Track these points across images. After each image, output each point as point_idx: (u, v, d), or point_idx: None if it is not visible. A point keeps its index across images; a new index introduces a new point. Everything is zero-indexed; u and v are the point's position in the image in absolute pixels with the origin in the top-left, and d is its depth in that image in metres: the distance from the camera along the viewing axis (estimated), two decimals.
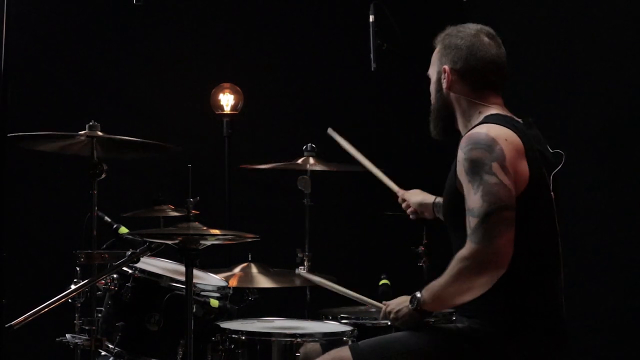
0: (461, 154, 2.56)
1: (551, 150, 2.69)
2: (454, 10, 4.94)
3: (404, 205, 3.21)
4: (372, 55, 3.52)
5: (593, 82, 4.44)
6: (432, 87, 2.80)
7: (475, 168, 2.49)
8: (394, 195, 3.26)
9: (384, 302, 2.78)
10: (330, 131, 3.44)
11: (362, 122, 5.46)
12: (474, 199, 2.48)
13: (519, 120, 2.68)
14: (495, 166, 2.48)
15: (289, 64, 5.43)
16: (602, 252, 4.37)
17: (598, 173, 4.41)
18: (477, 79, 2.70)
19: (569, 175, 2.71)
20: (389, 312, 2.69)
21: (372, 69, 3.55)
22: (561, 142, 2.77)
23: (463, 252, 2.48)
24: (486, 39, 2.72)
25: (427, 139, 2.89)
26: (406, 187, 3.24)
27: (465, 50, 2.70)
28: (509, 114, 2.69)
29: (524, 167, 2.54)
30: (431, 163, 4.09)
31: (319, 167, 3.91)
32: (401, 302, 2.67)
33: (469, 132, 2.61)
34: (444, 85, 2.73)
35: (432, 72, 2.81)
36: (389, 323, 2.75)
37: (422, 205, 3.15)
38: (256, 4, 5.45)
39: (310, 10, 5.49)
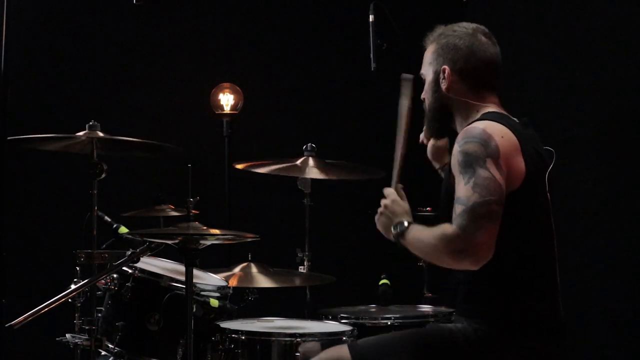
0: (456, 147, 2.54)
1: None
2: (454, 10, 4.94)
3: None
4: (372, 55, 3.52)
5: (593, 81, 4.44)
6: (428, 87, 2.77)
7: (469, 161, 2.47)
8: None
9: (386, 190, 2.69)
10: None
11: (362, 122, 5.46)
12: (463, 189, 2.45)
13: (515, 119, 2.67)
14: (489, 162, 2.46)
15: (289, 64, 5.43)
16: (601, 252, 4.37)
17: (597, 173, 4.40)
18: (477, 79, 2.69)
19: (569, 175, 2.71)
20: (385, 205, 2.64)
21: (372, 69, 3.55)
22: (561, 142, 2.77)
23: (448, 231, 2.41)
24: (483, 38, 2.71)
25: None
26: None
27: (465, 50, 2.68)
28: (505, 113, 2.69)
29: (519, 163, 2.53)
30: (431, 163, 4.09)
31: (317, 168, 3.90)
32: (396, 212, 2.61)
33: (466, 127, 2.60)
34: (444, 85, 2.71)
35: (427, 72, 2.77)
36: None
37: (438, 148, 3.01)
38: (256, 4, 5.45)
39: (310, 10, 5.49)
